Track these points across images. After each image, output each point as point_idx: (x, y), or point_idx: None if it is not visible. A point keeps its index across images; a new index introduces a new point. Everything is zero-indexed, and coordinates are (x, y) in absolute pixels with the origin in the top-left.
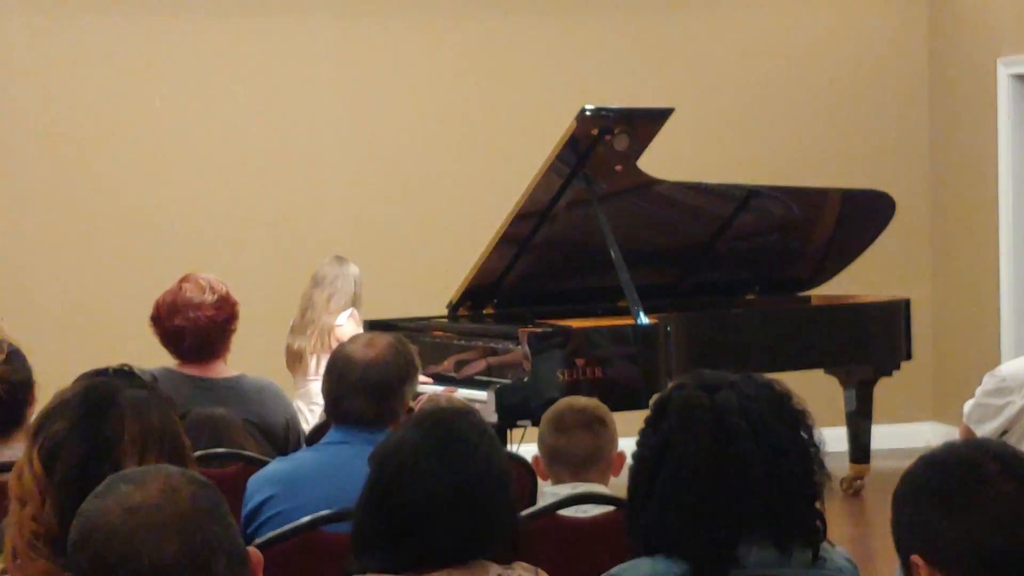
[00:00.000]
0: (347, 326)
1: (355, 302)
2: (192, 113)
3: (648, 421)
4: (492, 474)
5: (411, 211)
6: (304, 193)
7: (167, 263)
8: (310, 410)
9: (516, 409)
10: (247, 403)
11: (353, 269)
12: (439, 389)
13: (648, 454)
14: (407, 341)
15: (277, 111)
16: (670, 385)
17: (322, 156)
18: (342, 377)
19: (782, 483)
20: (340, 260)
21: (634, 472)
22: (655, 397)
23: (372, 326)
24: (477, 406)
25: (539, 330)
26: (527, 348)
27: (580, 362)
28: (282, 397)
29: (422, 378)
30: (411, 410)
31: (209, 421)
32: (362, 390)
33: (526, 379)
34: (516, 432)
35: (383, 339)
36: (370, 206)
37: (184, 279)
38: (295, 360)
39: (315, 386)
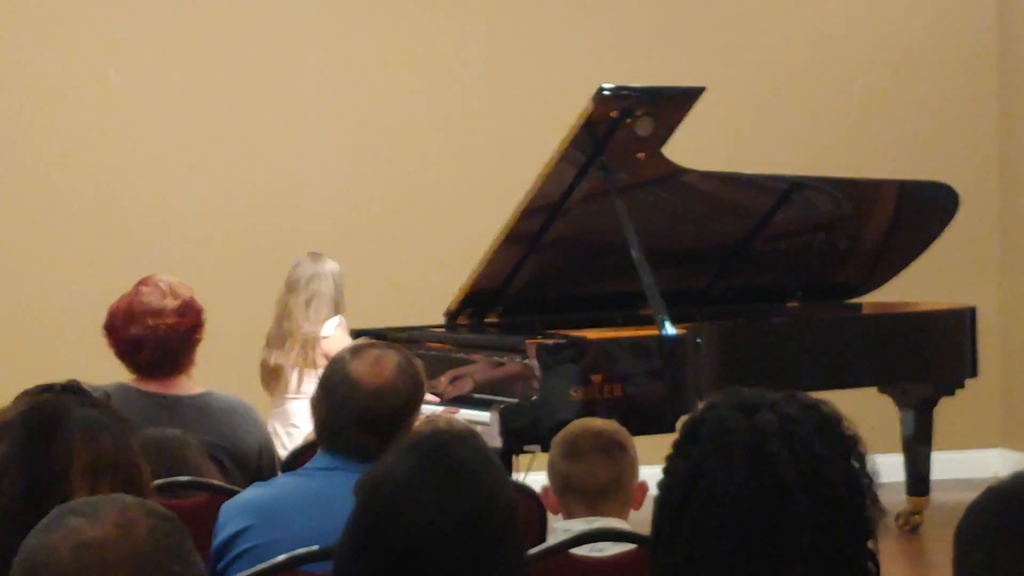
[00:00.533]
0: (336, 337)
1: (338, 306)
2: (154, 91)
3: (676, 446)
4: (496, 507)
5: (404, 206)
6: (282, 185)
7: (123, 263)
8: (287, 432)
9: (523, 432)
10: (215, 424)
11: (331, 266)
12: (438, 409)
13: (675, 484)
14: (413, 356)
15: (252, 91)
16: (701, 405)
17: (304, 143)
18: (344, 406)
19: (829, 519)
20: (315, 257)
21: (659, 505)
22: (684, 419)
23: (359, 337)
24: (479, 428)
25: (550, 341)
26: (536, 362)
27: (597, 378)
28: (255, 418)
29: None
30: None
31: (159, 444)
32: (368, 423)
33: (535, 398)
34: (523, 459)
35: (391, 358)
36: (358, 200)
37: (142, 282)
38: (272, 377)
39: (294, 405)
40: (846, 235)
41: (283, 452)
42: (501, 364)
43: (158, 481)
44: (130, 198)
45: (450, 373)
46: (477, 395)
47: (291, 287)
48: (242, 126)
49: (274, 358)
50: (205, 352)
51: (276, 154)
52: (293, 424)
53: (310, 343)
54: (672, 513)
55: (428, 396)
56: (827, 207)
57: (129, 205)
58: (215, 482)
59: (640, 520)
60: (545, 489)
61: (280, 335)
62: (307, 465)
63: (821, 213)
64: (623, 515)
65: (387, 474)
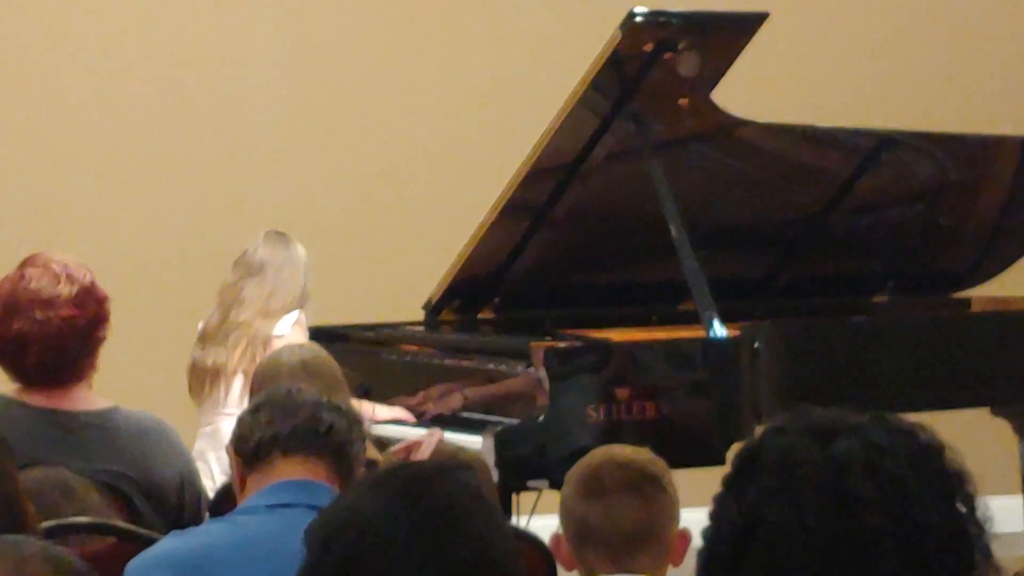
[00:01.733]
0: (292, 336)
1: (304, 300)
2: (62, 30)
3: (727, 484)
4: (491, 561)
5: (375, 178)
6: (222, 148)
7: (7, 241)
8: (218, 458)
9: (526, 463)
10: (122, 449)
11: (301, 252)
12: (416, 432)
13: (727, 533)
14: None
15: (191, 37)
16: (761, 430)
17: (252, 99)
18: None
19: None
20: (282, 239)
21: (705, 560)
22: (738, 448)
23: (317, 336)
24: None
25: (562, 344)
26: (543, 371)
27: (623, 393)
28: (174, 442)
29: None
30: (372, 463)
31: (42, 486)
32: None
33: (541, 418)
34: (525, 497)
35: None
36: (317, 170)
37: (28, 262)
38: (205, 382)
39: (229, 424)
40: (951, 209)
41: (212, 485)
42: (498, 374)
43: (47, 523)
44: (22, 160)
45: (431, 385)
46: (466, 414)
47: (249, 270)
48: (171, 80)
49: (212, 357)
50: (110, 356)
51: (214, 114)
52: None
53: (260, 342)
54: (722, 570)
55: (400, 415)
56: (926, 172)
57: (20, 168)
58: (122, 524)
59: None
60: (556, 538)
61: (223, 328)
62: (243, 505)
63: (919, 180)
64: (658, 572)
65: (347, 518)
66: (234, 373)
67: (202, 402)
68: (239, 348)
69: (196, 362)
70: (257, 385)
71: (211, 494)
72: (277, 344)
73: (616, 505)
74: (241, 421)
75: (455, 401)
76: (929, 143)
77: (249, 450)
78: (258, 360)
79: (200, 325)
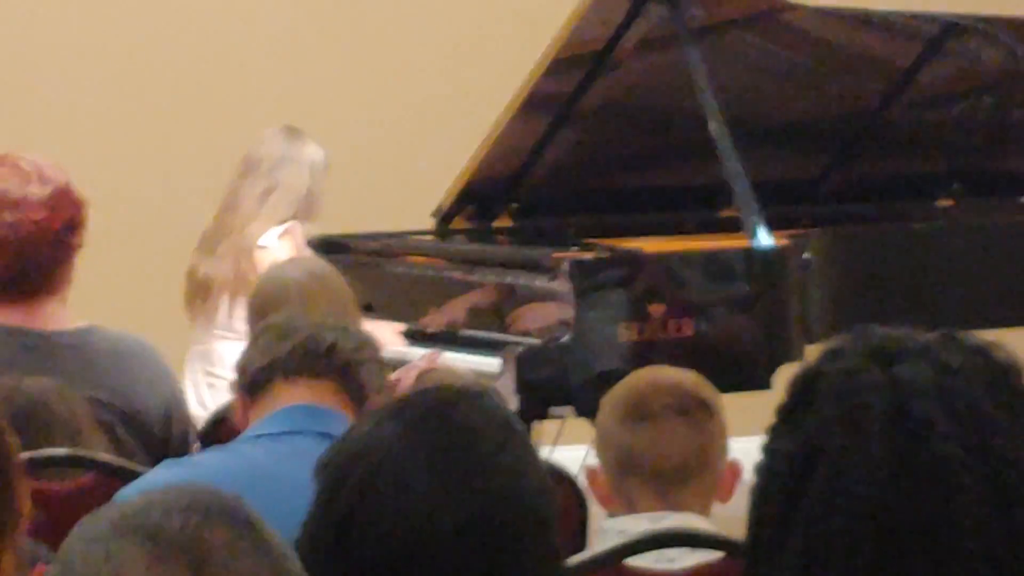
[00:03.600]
0: (278, 250)
1: (307, 209)
2: None
3: (781, 413)
4: (520, 496)
5: (377, 72)
6: (218, 42)
7: None
8: (210, 384)
9: (548, 388)
10: (100, 373)
11: (312, 152)
12: (416, 352)
13: (782, 468)
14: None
15: None
16: (817, 354)
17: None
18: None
19: (1005, 513)
20: (291, 134)
21: (759, 497)
22: (793, 375)
23: (313, 246)
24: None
25: (588, 255)
26: (568, 285)
27: (657, 310)
28: (158, 365)
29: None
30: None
31: (20, 402)
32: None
33: (565, 338)
34: (547, 427)
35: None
36: (319, 66)
37: None
38: (198, 295)
39: (223, 348)
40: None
41: (203, 413)
42: (516, 288)
43: (24, 454)
44: None
45: (441, 301)
46: (481, 334)
47: (248, 168)
48: None
49: (204, 267)
50: (87, 268)
51: (212, 16)
52: (217, 374)
53: (243, 254)
54: (778, 508)
55: (397, 333)
56: (997, 60)
57: None
58: (105, 457)
59: (728, 517)
60: (592, 471)
61: (217, 233)
62: (245, 433)
63: (988, 69)
64: (705, 509)
65: (362, 450)
66: (222, 288)
67: (194, 316)
68: (227, 259)
69: (191, 271)
70: (258, 308)
71: (200, 424)
72: (258, 257)
73: (665, 431)
74: (242, 353)
75: (468, 319)
76: (999, 28)
77: (248, 379)
78: (240, 274)
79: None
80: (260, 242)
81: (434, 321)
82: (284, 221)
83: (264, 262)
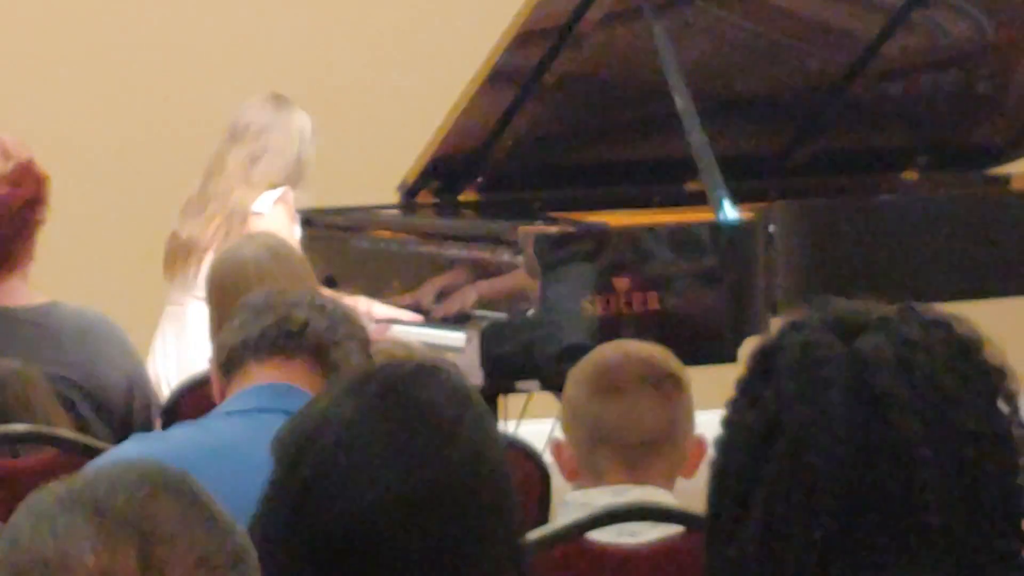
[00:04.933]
0: (274, 217)
1: (298, 175)
2: None
3: (741, 386)
4: (480, 471)
5: (340, 45)
6: (181, 14)
7: None
8: (180, 342)
9: (514, 363)
10: (63, 349)
11: (300, 118)
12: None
13: (742, 441)
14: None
15: None
16: (778, 327)
17: None
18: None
19: (967, 487)
20: (278, 101)
21: (719, 471)
22: (754, 345)
23: None
24: (449, 358)
25: (553, 229)
26: (533, 259)
27: (622, 284)
28: (121, 341)
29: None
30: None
31: None
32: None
33: (531, 312)
34: (512, 401)
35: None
36: (280, 38)
37: None
38: (179, 256)
39: (197, 307)
40: (990, 74)
41: (172, 369)
42: (482, 262)
43: None
44: None
45: (405, 275)
46: (447, 309)
47: (235, 134)
48: None
49: (188, 230)
50: (51, 244)
51: None
52: (187, 334)
53: (237, 217)
54: (738, 483)
55: (401, 315)
56: (963, 32)
57: None
58: (68, 433)
59: (690, 491)
60: (557, 444)
61: (202, 197)
62: (214, 410)
63: (955, 41)
64: (668, 483)
65: (319, 424)
66: (206, 250)
67: (174, 278)
68: (215, 222)
69: (174, 234)
70: (216, 284)
71: (164, 398)
72: (255, 223)
73: (637, 403)
74: (220, 331)
75: (433, 293)
76: (966, 0)
77: (224, 358)
78: (232, 236)
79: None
80: (255, 208)
81: (399, 296)
82: (274, 187)
83: (259, 228)
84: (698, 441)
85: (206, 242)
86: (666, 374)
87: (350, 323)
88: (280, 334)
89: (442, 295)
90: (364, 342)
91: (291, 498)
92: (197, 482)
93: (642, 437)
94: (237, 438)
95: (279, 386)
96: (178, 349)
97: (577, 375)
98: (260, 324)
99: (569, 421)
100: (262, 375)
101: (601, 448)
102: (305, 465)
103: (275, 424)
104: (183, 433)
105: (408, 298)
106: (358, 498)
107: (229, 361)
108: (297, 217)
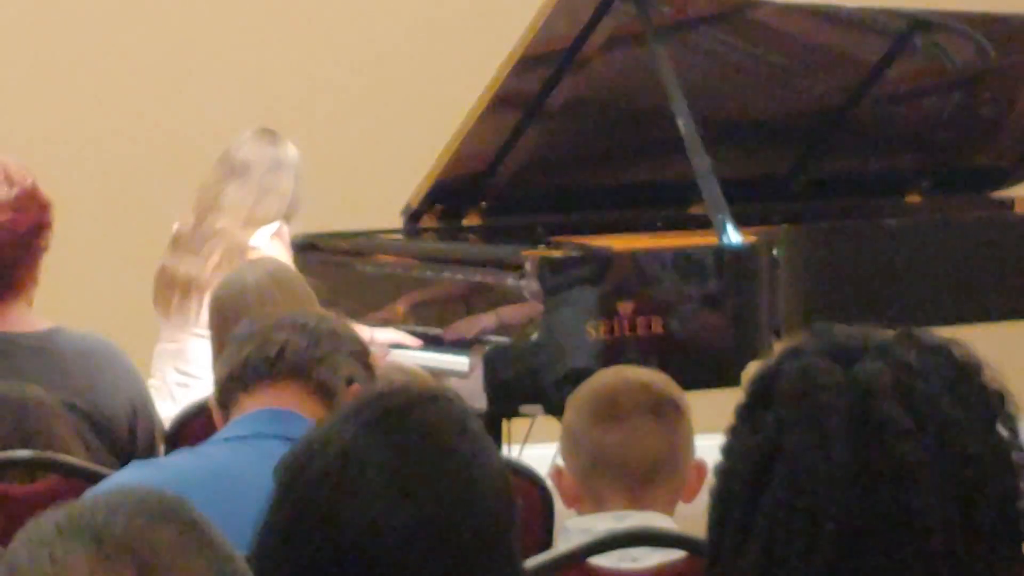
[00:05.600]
0: (270, 251)
1: (291, 212)
2: None
3: (741, 411)
4: (480, 495)
5: (347, 70)
6: (187, 43)
7: None
8: (181, 383)
9: (517, 387)
10: (67, 375)
11: (292, 153)
12: (428, 356)
13: (742, 467)
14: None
15: None
16: (779, 350)
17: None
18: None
19: (966, 512)
20: (272, 137)
21: (719, 497)
22: (753, 371)
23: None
24: (453, 382)
25: (557, 253)
26: (537, 283)
27: (626, 308)
28: (124, 366)
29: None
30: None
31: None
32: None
33: (535, 336)
34: (516, 425)
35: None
36: (285, 63)
37: None
38: (176, 292)
39: (198, 346)
40: (992, 98)
41: (173, 410)
42: (485, 287)
43: None
44: None
45: (410, 299)
46: (451, 333)
47: (232, 171)
48: None
49: (185, 266)
50: (55, 270)
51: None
52: (188, 372)
53: (236, 253)
54: (738, 509)
55: (402, 339)
56: (965, 57)
57: None
58: (68, 459)
59: (691, 516)
60: (557, 470)
61: (198, 234)
62: (212, 437)
63: (956, 66)
64: (668, 508)
65: (318, 448)
66: (207, 287)
67: (168, 315)
68: (213, 259)
69: (166, 269)
70: (219, 311)
71: (168, 425)
72: (252, 257)
73: (637, 430)
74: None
75: (437, 318)
76: (968, 24)
77: (219, 393)
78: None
79: (175, 226)
80: (251, 243)
81: (403, 321)
82: (271, 222)
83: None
84: (698, 466)
85: (205, 280)
86: (666, 400)
87: (335, 337)
88: (261, 360)
89: (446, 320)
90: (358, 354)
91: (284, 523)
92: (195, 508)
93: (642, 463)
94: (234, 464)
95: (276, 411)
96: (182, 391)
97: (576, 401)
98: (243, 354)
99: (569, 448)
100: (253, 403)
101: (601, 475)
102: (299, 488)
103: (272, 449)
104: (181, 460)
105: (411, 322)
106: (352, 522)
107: (222, 395)
108: (290, 251)
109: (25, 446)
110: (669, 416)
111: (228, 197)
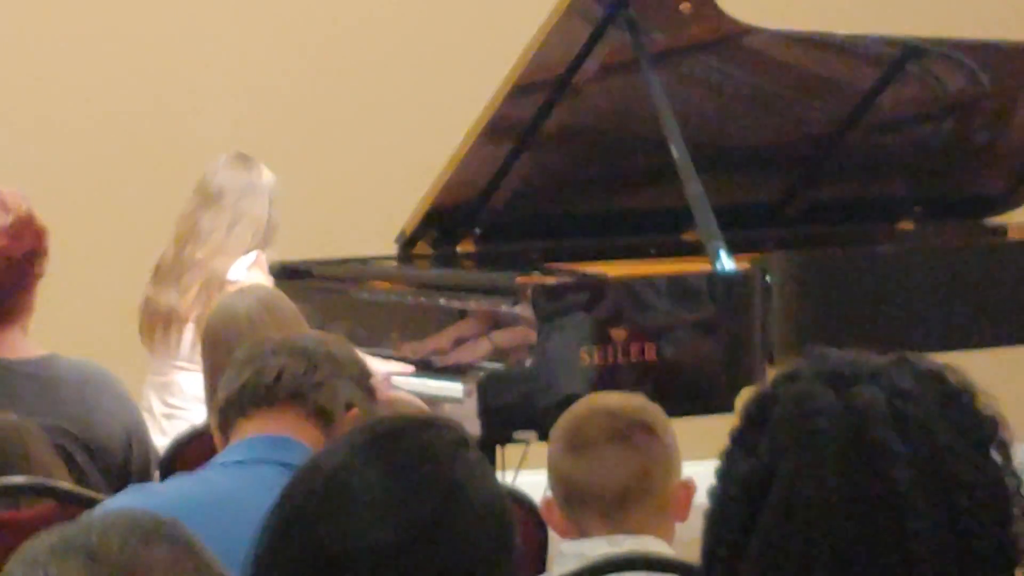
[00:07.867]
0: (250, 281)
1: (267, 238)
2: None
3: (735, 436)
4: (475, 522)
5: (340, 94)
6: (175, 64)
7: None
8: (168, 415)
9: (512, 413)
10: (63, 401)
11: (268, 178)
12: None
13: (737, 491)
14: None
15: None
16: (772, 378)
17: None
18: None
19: (959, 538)
20: (245, 162)
21: (713, 522)
22: (748, 396)
23: (275, 273)
24: (447, 408)
25: (551, 280)
26: (531, 310)
27: (619, 334)
28: (119, 393)
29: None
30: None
31: None
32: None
33: (528, 363)
34: (511, 451)
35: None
36: (277, 90)
37: None
38: (159, 325)
39: (184, 379)
40: (985, 125)
41: (162, 441)
42: (479, 313)
43: None
44: None
45: (403, 325)
46: (445, 360)
47: (208, 198)
48: None
49: (165, 298)
50: (50, 297)
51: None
52: (176, 404)
53: (215, 285)
54: (733, 533)
55: (395, 368)
56: (958, 83)
57: None
58: (66, 486)
59: (685, 540)
60: (547, 501)
61: (177, 266)
62: (210, 462)
63: (950, 92)
64: (662, 531)
65: (311, 472)
66: (186, 320)
67: (154, 348)
68: (192, 291)
69: (149, 301)
70: (211, 339)
71: (162, 452)
72: (231, 290)
73: (603, 458)
74: (216, 395)
75: (432, 344)
76: (960, 51)
77: (217, 419)
78: (208, 304)
79: (160, 255)
80: (230, 276)
81: (397, 347)
82: (248, 251)
83: None
84: (685, 485)
85: (184, 312)
86: (635, 424)
87: (334, 362)
88: (258, 386)
89: (440, 346)
90: (357, 378)
91: (277, 533)
92: (189, 530)
93: (613, 491)
94: (231, 489)
95: (269, 437)
96: (169, 422)
97: (554, 432)
98: (241, 379)
99: (549, 480)
100: (251, 429)
101: (576, 505)
102: (292, 502)
103: (267, 475)
104: (178, 484)
105: (406, 349)
106: (341, 535)
107: (222, 422)
108: (270, 278)
109: (3, 472)
110: (638, 440)
111: (204, 225)
